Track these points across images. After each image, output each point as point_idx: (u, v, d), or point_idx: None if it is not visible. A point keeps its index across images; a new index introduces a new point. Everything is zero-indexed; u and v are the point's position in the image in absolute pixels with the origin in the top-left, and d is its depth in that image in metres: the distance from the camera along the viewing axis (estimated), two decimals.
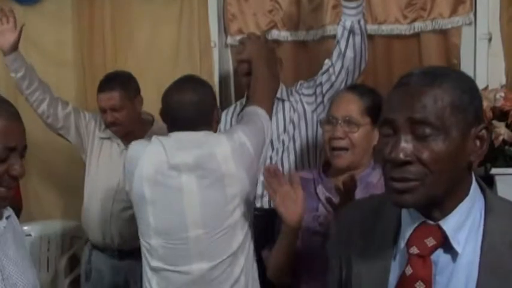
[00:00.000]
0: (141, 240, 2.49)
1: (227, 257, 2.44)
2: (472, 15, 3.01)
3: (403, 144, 1.27)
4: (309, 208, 2.28)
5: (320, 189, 2.32)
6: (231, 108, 3.22)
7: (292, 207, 2.16)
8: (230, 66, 3.62)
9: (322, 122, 2.39)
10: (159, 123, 2.86)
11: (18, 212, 2.72)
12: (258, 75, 2.79)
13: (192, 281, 2.42)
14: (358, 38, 2.76)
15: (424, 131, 1.26)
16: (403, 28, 3.17)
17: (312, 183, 2.35)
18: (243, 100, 3.15)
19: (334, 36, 3.15)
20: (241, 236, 2.47)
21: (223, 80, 3.59)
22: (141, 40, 3.74)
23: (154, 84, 3.64)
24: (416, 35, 3.16)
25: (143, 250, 2.50)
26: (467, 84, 1.32)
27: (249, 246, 2.52)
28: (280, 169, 2.95)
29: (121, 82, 3.17)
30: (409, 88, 1.30)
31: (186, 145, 2.41)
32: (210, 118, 2.50)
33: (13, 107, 1.69)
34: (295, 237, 2.21)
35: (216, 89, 3.53)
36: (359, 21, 2.75)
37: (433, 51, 3.10)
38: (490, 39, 3.08)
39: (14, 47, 3.09)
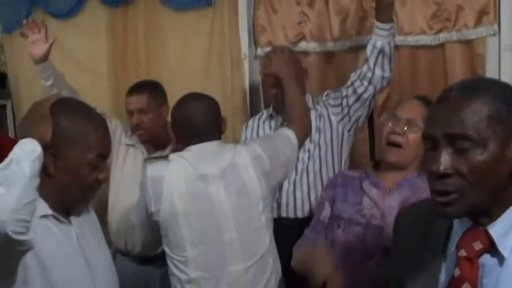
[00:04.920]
0: (172, 255, 2.52)
1: (259, 258, 2.52)
2: (496, 26, 3.04)
3: (442, 157, 1.33)
4: (352, 202, 2.44)
5: (366, 184, 2.45)
6: (257, 116, 3.32)
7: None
8: (260, 77, 3.70)
9: (385, 117, 2.49)
10: None
11: None
12: (291, 96, 2.82)
13: (228, 285, 2.48)
14: (386, 58, 2.84)
15: (462, 144, 1.32)
16: (428, 39, 3.21)
17: (358, 180, 2.49)
18: (270, 109, 3.23)
19: (361, 47, 3.29)
20: (268, 238, 2.57)
21: (253, 90, 3.68)
22: (174, 52, 3.85)
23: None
24: (442, 46, 3.19)
25: (175, 264, 2.52)
26: (506, 95, 1.35)
27: (275, 248, 2.62)
28: (305, 177, 3.07)
29: (150, 87, 3.29)
30: (447, 103, 1.35)
31: (207, 156, 2.51)
32: (220, 129, 2.62)
33: (101, 116, 1.90)
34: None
35: (247, 99, 3.64)
36: (389, 43, 2.82)
37: (458, 61, 3.14)
38: None
39: (45, 57, 3.18)
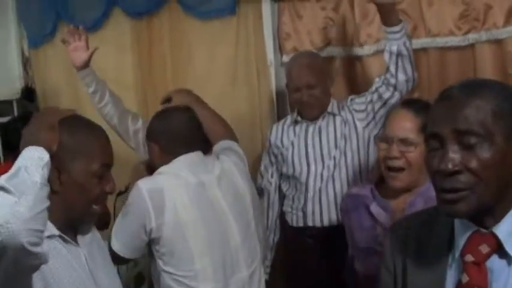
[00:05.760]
0: (178, 272, 2.40)
1: (257, 263, 2.54)
2: None
3: (451, 154, 1.31)
4: (364, 227, 2.29)
5: (374, 208, 2.28)
6: (282, 122, 3.28)
7: None
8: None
9: (376, 139, 2.38)
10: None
11: (106, 224, 2.83)
12: (204, 116, 2.71)
13: None
14: (406, 59, 2.78)
15: (469, 140, 1.30)
16: (457, 40, 3.16)
17: (365, 200, 2.32)
18: (294, 114, 3.19)
19: None
20: (258, 244, 2.58)
21: (280, 97, 3.64)
22: (199, 61, 3.83)
23: (213, 103, 3.71)
24: (471, 46, 3.15)
25: (181, 282, 2.40)
26: (506, 93, 1.36)
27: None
28: (331, 185, 3.02)
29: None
30: (451, 101, 1.34)
31: (198, 165, 2.49)
32: (203, 139, 2.62)
33: (101, 127, 1.87)
34: None
35: (274, 105, 3.62)
36: (404, 43, 2.75)
37: (488, 61, 3.09)
38: None
39: (86, 64, 3.17)
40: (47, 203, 1.54)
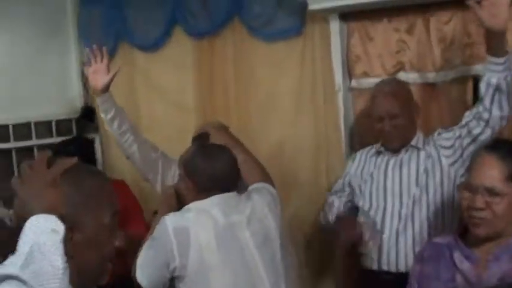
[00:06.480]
0: None
1: None
2: None
3: None
4: (442, 278, 2.13)
5: (457, 257, 2.13)
6: (366, 150, 3.09)
7: None
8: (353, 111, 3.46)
9: (459, 187, 2.20)
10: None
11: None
12: (241, 161, 2.65)
13: None
14: (504, 95, 2.51)
15: None
16: None
17: (447, 249, 2.17)
18: (378, 144, 3.01)
19: (467, 78, 3.03)
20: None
21: (348, 125, 3.42)
22: (263, 84, 3.65)
23: (276, 129, 3.56)
24: None
25: None
26: None
27: None
28: (410, 225, 2.79)
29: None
30: None
31: (231, 206, 2.42)
32: (239, 178, 2.57)
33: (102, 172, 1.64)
34: None
35: (341, 134, 3.39)
36: (505, 78, 2.48)
37: None
38: None
39: (105, 89, 3.05)
40: None
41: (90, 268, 1.45)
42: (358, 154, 3.11)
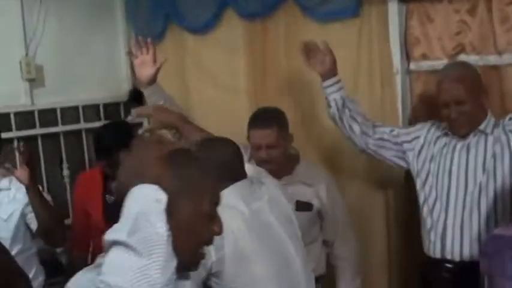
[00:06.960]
0: None
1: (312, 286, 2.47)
2: None
3: None
4: (508, 274, 2.06)
5: None
6: (437, 123, 2.98)
7: None
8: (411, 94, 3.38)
9: None
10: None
11: None
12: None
13: None
14: None
15: None
16: None
17: (510, 242, 2.09)
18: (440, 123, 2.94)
19: None
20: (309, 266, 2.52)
21: (406, 109, 3.34)
22: None
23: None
24: None
25: None
26: None
27: None
28: (476, 214, 2.72)
29: (278, 119, 3.07)
30: None
31: (246, 194, 2.34)
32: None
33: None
34: None
35: (399, 119, 3.32)
36: None
37: None
38: None
39: (153, 80, 2.99)
40: (176, 262, 1.32)
41: (183, 254, 1.42)
42: (434, 125, 2.99)
